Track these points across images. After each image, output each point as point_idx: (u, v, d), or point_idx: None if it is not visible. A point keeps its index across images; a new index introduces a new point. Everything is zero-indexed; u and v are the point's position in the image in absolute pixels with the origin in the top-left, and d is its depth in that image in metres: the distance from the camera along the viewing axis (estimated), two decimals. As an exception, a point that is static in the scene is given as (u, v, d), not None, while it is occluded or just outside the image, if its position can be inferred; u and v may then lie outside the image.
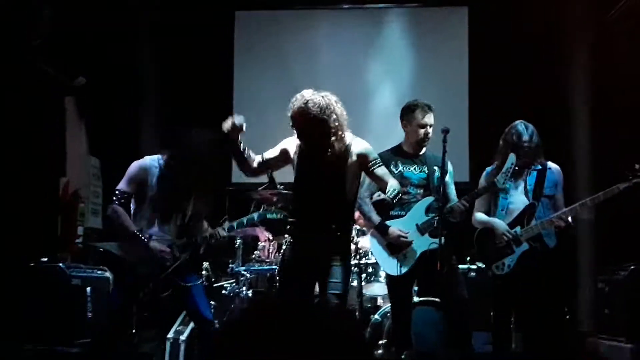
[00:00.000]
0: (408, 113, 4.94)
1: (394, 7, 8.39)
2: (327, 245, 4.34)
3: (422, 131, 4.87)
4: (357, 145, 4.39)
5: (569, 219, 4.77)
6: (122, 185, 4.63)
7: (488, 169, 5.02)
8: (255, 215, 4.78)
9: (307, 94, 4.35)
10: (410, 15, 8.35)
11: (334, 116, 4.29)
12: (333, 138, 4.31)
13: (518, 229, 4.80)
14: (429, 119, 4.88)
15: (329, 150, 4.30)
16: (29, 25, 6.04)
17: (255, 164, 4.46)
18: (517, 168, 4.69)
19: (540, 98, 7.49)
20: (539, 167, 4.94)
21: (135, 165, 4.68)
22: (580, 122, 7.40)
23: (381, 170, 4.36)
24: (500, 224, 4.83)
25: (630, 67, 6.53)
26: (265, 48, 8.38)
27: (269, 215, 4.88)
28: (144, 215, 4.62)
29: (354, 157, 4.36)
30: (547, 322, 4.74)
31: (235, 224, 4.76)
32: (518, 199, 4.89)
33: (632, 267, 5.63)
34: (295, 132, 4.38)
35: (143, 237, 4.52)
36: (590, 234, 6.88)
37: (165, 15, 7.98)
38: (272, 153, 4.48)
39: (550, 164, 4.99)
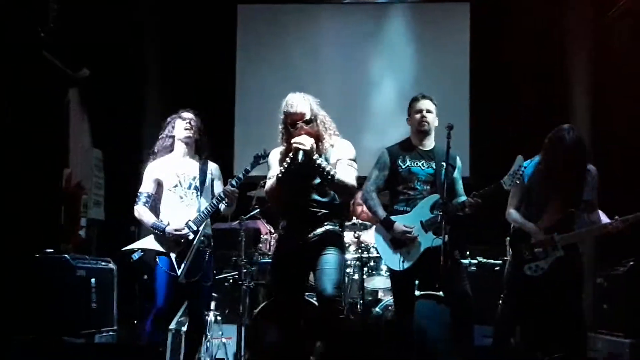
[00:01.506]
0: (408, 107, 5.04)
1: (396, 2, 8.44)
2: (319, 238, 4.42)
3: (417, 116, 4.91)
4: (338, 146, 4.49)
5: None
6: (141, 187, 5.12)
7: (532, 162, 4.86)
8: (248, 167, 5.06)
9: (299, 94, 4.47)
10: (412, 11, 8.40)
11: (320, 111, 4.49)
12: (322, 135, 4.45)
13: (556, 234, 4.73)
14: (423, 104, 4.92)
15: (319, 148, 4.40)
16: (37, 16, 6.07)
17: None
18: (523, 170, 4.66)
19: (541, 94, 7.55)
20: None
21: (149, 167, 5.14)
22: (580, 119, 7.45)
23: (341, 165, 4.40)
24: (537, 231, 4.75)
25: (630, 66, 6.59)
26: (267, 42, 8.42)
27: (261, 161, 5.01)
28: (167, 209, 5.05)
29: (334, 159, 4.46)
30: (574, 324, 4.75)
31: (235, 179, 5.00)
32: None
33: (631, 262, 5.71)
34: (285, 133, 4.46)
35: (159, 228, 4.94)
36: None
37: (169, 8, 8.00)
38: (276, 171, 4.51)
39: (589, 166, 4.84)
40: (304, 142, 4.28)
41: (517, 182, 4.66)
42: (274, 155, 4.59)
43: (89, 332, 5.52)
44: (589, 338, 5.88)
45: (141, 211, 5.02)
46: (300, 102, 4.42)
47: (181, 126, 5.12)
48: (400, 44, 8.29)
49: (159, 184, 5.07)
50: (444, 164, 4.78)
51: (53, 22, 6.32)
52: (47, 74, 6.49)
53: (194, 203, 5.03)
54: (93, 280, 5.67)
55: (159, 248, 4.94)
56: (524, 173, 4.68)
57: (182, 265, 4.88)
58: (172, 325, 5.89)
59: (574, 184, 4.74)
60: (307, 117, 4.40)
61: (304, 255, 4.44)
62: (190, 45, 8.05)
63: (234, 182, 4.95)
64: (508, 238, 4.99)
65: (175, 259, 4.91)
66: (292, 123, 4.40)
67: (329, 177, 4.31)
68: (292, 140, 4.31)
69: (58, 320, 5.33)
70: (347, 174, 4.39)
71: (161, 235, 4.93)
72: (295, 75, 8.16)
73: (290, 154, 4.33)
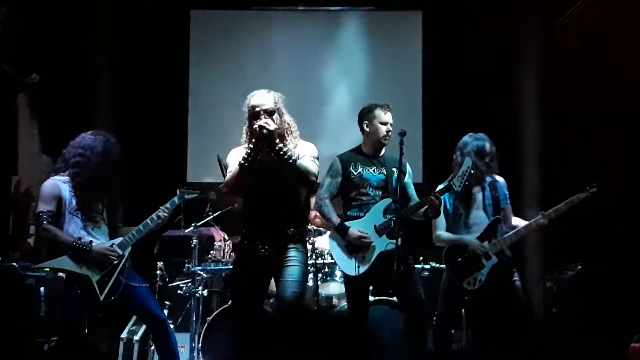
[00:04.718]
0: (368, 113, 5.00)
1: (349, 9, 8.46)
2: (282, 246, 4.39)
3: (383, 128, 4.94)
4: (300, 146, 4.46)
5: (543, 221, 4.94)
6: (42, 207, 4.62)
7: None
8: (176, 198, 4.82)
9: (263, 90, 4.46)
10: (365, 18, 8.45)
11: (287, 116, 4.47)
12: (290, 131, 4.43)
13: (486, 243, 4.91)
14: (389, 117, 4.96)
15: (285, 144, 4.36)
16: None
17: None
18: (472, 172, 4.77)
19: (492, 101, 7.67)
20: (489, 180, 5.06)
21: (47, 185, 4.68)
22: (530, 124, 7.60)
23: (304, 158, 4.36)
24: (471, 240, 4.92)
25: (579, 72, 6.74)
26: (220, 47, 8.39)
27: (186, 196, 4.88)
28: (70, 229, 4.62)
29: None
30: (521, 327, 4.87)
31: (170, 203, 4.79)
32: (477, 215, 4.99)
33: (579, 267, 5.83)
34: (249, 127, 4.42)
35: (84, 245, 4.54)
36: (540, 235, 7.06)
37: (120, 13, 7.92)
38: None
39: (496, 176, 5.11)
40: (268, 123, 4.26)
41: (467, 183, 4.76)
42: (233, 155, 4.52)
43: (37, 341, 5.42)
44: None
45: (53, 230, 4.55)
46: (263, 94, 4.42)
47: None
48: (354, 51, 8.34)
49: (59, 204, 4.63)
50: (394, 169, 4.84)
51: (1, 26, 6.21)
52: (-4, 79, 6.39)
53: (100, 225, 4.71)
54: (42, 289, 5.57)
55: (77, 270, 4.54)
56: (472, 174, 4.78)
57: (106, 290, 4.58)
58: (124, 334, 5.83)
59: (490, 191, 5.01)
60: (269, 107, 4.37)
61: (267, 264, 4.41)
62: (142, 50, 7.97)
63: (168, 207, 4.76)
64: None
65: (98, 282, 4.55)
66: (255, 114, 4.36)
67: (291, 160, 4.24)
68: (256, 124, 4.26)
69: (6, 329, 5.22)
70: (308, 163, 4.36)
71: (82, 255, 4.53)
72: (248, 81, 8.10)
73: (253, 139, 4.28)
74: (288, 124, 4.47)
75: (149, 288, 4.97)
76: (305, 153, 4.42)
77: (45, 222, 4.56)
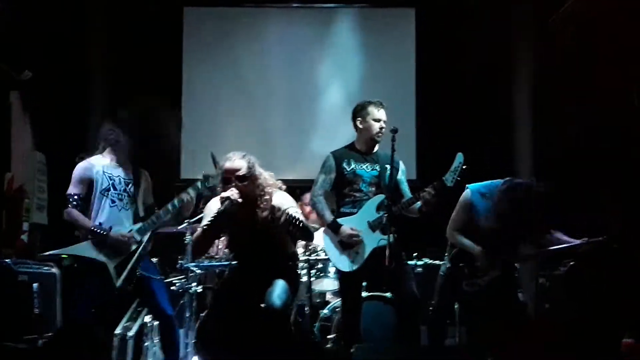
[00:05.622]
0: (362, 110, 5.02)
1: (342, 7, 8.50)
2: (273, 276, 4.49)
3: (377, 125, 4.96)
4: (276, 198, 4.49)
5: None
6: (71, 189, 4.77)
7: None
8: (199, 183, 4.85)
9: (238, 154, 4.49)
10: (359, 16, 8.48)
11: (262, 174, 4.51)
12: (263, 194, 4.47)
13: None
14: (382, 114, 4.99)
15: (258, 207, 4.45)
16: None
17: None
18: (464, 167, 4.75)
19: (485, 98, 7.68)
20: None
21: (79, 168, 4.82)
22: (523, 123, 7.61)
23: (297, 214, 4.37)
24: (482, 256, 4.84)
25: (572, 70, 6.75)
26: (213, 45, 8.41)
27: (210, 181, 4.83)
28: (98, 213, 4.76)
29: (274, 211, 4.45)
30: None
31: (193, 188, 4.84)
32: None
33: (571, 263, 5.85)
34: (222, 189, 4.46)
35: (102, 230, 4.65)
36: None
37: (114, 10, 7.91)
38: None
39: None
40: (233, 195, 4.34)
41: (459, 178, 4.74)
42: (210, 207, 4.59)
43: (31, 338, 5.42)
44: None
45: (74, 214, 4.70)
46: (237, 159, 4.46)
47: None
48: (347, 48, 8.37)
49: (89, 186, 4.78)
50: (387, 166, 4.85)
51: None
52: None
53: (128, 208, 4.86)
54: (35, 285, 5.57)
55: (96, 257, 4.67)
56: (464, 169, 4.75)
57: (122, 276, 4.68)
58: (118, 330, 5.81)
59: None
60: (242, 173, 4.41)
61: (254, 289, 4.49)
62: (136, 47, 7.98)
63: (191, 192, 4.82)
64: (447, 253, 5.08)
65: (115, 268, 4.67)
66: (227, 179, 4.41)
67: (298, 223, 4.21)
68: (221, 195, 4.36)
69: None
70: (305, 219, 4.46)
71: (100, 241, 4.67)
72: (242, 78, 8.17)
73: (219, 207, 4.36)
74: (263, 185, 4.50)
75: (163, 282, 5.09)
76: (289, 206, 4.43)
77: (70, 206, 4.70)
